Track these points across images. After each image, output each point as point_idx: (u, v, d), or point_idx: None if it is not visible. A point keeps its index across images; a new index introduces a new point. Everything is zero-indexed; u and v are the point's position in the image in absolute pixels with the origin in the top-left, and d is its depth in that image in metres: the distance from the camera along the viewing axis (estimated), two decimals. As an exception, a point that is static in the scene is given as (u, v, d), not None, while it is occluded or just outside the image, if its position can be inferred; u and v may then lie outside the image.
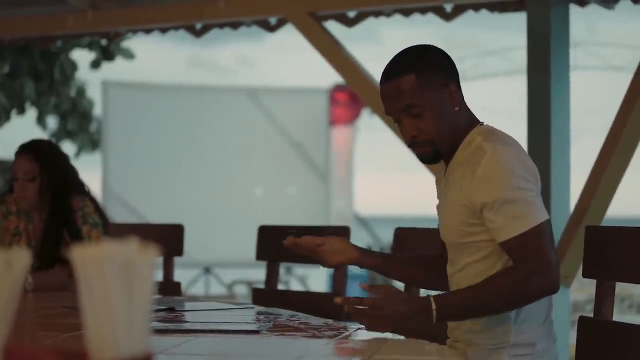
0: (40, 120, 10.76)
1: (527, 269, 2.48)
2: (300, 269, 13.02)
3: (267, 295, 3.74)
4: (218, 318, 2.82)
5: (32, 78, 10.14)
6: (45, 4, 6.08)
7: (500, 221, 2.53)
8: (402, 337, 2.51)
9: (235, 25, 5.90)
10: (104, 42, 9.70)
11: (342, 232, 3.48)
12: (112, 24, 6.07)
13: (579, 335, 2.75)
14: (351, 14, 5.54)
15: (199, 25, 5.95)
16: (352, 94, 11.68)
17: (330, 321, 2.75)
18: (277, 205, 11.86)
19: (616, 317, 2.76)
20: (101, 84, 11.74)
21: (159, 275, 4.19)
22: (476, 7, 5.28)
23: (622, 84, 4.87)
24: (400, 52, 2.70)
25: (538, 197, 2.57)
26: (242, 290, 12.73)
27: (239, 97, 12.06)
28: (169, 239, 4.14)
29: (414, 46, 2.72)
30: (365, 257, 2.86)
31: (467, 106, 2.70)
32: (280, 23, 5.82)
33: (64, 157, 4.01)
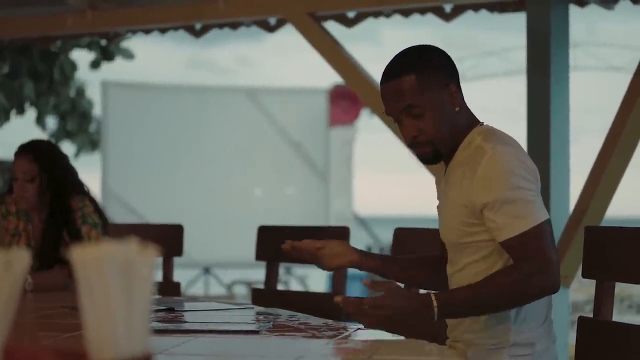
0: (40, 121, 10.76)
1: (528, 268, 2.48)
2: (299, 269, 13.02)
3: (266, 296, 3.74)
4: (217, 318, 2.82)
5: (31, 78, 10.14)
6: (45, 4, 6.08)
7: (500, 221, 2.53)
8: (402, 337, 2.51)
9: (234, 26, 5.90)
10: (103, 42, 9.70)
11: (342, 232, 3.48)
12: (112, 24, 6.07)
13: (578, 335, 2.75)
14: (351, 14, 5.54)
15: (198, 26, 5.95)
16: (351, 95, 11.67)
17: (329, 321, 2.75)
18: (277, 206, 11.86)
19: (616, 318, 2.76)
20: (101, 84, 11.75)
21: (159, 276, 4.19)
22: (476, 8, 5.28)
23: (621, 84, 4.88)
24: (400, 53, 2.70)
25: (538, 196, 2.57)
26: (241, 291, 12.74)
27: (238, 97, 12.06)
28: (168, 239, 4.14)
29: (414, 46, 2.72)
30: (365, 259, 2.86)
31: (467, 106, 2.70)
32: (280, 23, 5.82)
33: (64, 158, 4.00)
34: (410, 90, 2.61)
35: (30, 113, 10.61)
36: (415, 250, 3.19)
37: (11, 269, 1.34)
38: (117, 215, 10.43)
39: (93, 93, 11.41)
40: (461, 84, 2.69)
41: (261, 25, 5.85)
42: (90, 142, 11.51)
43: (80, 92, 11.18)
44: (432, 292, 2.51)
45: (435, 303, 2.47)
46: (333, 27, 5.58)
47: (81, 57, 10.37)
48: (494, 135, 2.63)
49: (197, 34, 5.96)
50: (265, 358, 2.29)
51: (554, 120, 4.95)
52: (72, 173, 3.97)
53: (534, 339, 2.64)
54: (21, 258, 1.36)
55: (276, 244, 2.94)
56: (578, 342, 2.75)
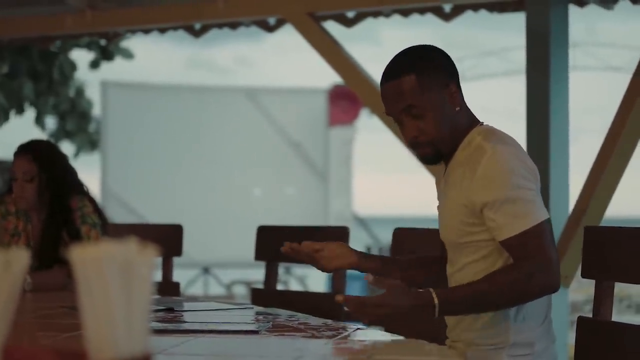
0: (39, 121, 10.76)
1: (528, 267, 2.48)
2: (299, 269, 13.01)
3: (266, 296, 3.74)
4: (217, 318, 2.82)
5: (31, 78, 10.14)
6: (44, 4, 6.08)
7: (500, 220, 2.53)
8: (401, 337, 2.51)
9: (234, 26, 5.90)
10: (103, 42, 9.71)
11: (341, 232, 3.48)
12: (111, 24, 6.07)
13: (577, 335, 2.75)
14: (350, 14, 5.54)
15: (198, 26, 5.95)
16: (351, 95, 11.67)
17: (329, 321, 2.75)
18: (276, 206, 11.86)
19: (615, 317, 2.76)
20: (100, 84, 11.74)
21: (158, 276, 4.19)
22: (475, 8, 5.28)
23: (621, 84, 4.87)
24: (400, 53, 2.70)
25: (538, 196, 2.57)
26: (241, 291, 12.74)
27: (238, 97, 12.06)
28: (168, 239, 4.14)
29: (414, 46, 2.72)
30: (364, 261, 2.86)
31: (467, 106, 2.70)
32: (279, 23, 5.82)
33: (63, 158, 4.00)
34: (410, 90, 2.61)
35: (30, 113, 10.62)
36: (414, 251, 3.19)
37: (10, 269, 1.34)
38: (116, 215, 10.43)
39: (92, 93, 11.43)
40: (461, 84, 2.69)
41: (261, 25, 5.85)
42: (90, 142, 11.51)
43: (80, 92, 11.18)
44: (433, 289, 2.50)
45: (435, 300, 2.47)
46: (332, 27, 5.58)
47: (81, 57, 10.38)
48: (494, 135, 2.63)
49: (197, 34, 5.96)
50: (265, 358, 2.29)
51: (553, 120, 4.95)
52: (71, 173, 3.97)
53: (534, 338, 2.64)
54: (20, 258, 1.36)
55: (276, 244, 2.94)
56: (577, 342, 2.75)
